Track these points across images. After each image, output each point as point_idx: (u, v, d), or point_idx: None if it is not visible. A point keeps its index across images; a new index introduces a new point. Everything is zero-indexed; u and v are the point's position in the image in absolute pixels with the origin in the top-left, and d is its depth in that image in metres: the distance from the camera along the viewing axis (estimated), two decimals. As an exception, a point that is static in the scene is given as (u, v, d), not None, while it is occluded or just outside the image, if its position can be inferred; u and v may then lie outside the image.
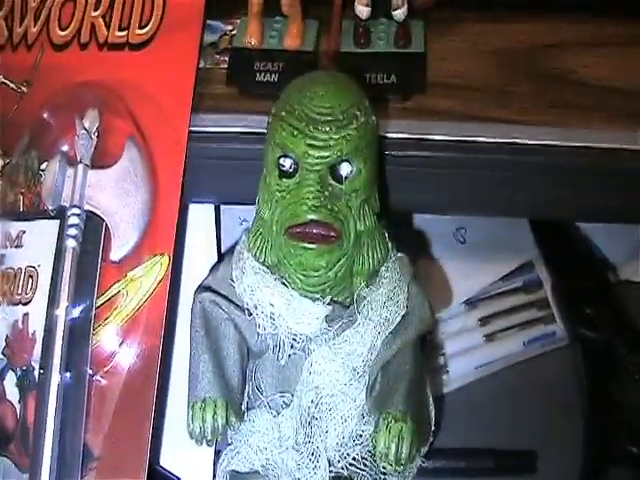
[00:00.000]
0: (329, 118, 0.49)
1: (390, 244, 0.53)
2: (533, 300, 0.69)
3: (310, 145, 0.49)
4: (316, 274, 0.50)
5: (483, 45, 0.61)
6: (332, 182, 0.50)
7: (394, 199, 0.56)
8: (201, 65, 0.62)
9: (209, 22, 0.64)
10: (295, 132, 0.49)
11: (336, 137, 0.49)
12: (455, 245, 0.68)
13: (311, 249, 0.50)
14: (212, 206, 0.63)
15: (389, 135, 0.56)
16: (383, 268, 0.52)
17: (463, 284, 0.67)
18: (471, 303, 0.69)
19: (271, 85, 0.60)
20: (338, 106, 0.49)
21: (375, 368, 0.51)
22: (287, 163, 0.50)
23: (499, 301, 0.69)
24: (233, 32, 0.64)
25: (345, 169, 0.50)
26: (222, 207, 0.64)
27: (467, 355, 0.67)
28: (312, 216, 0.49)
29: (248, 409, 0.53)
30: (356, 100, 0.50)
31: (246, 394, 0.53)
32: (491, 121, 0.57)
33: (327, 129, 0.49)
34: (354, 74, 0.54)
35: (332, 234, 0.50)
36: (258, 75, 0.61)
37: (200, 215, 0.63)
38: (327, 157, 0.49)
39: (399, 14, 0.59)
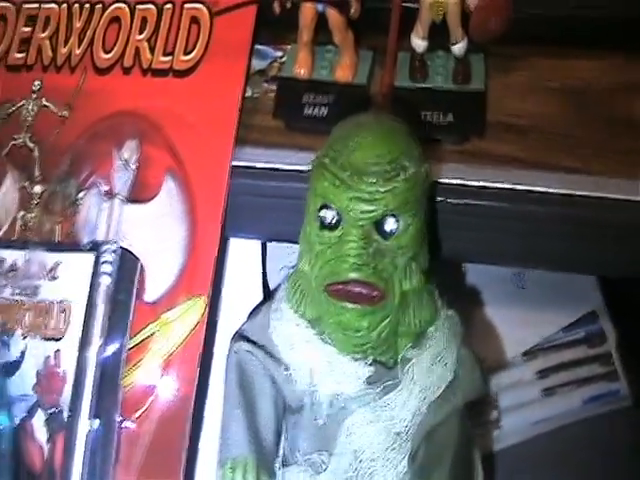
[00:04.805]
0: (375, 169, 0.45)
1: (439, 302, 0.49)
2: (595, 354, 0.65)
3: (354, 198, 0.45)
4: (357, 335, 0.47)
5: (548, 83, 0.56)
6: (377, 237, 0.46)
7: (444, 248, 0.53)
8: (248, 93, 0.59)
9: (258, 47, 0.61)
10: (337, 182, 0.46)
11: (382, 190, 0.45)
12: (514, 291, 0.64)
13: (352, 309, 0.46)
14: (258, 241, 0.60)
15: (442, 180, 0.53)
16: (431, 328, 0.49)
17: (521, 333, 0.63)
18: (529, 354, 0.64)
19: (320, 120, 0.57)
20: (386, 154, 0.46)
21: (419, 435, 0.48)
22: (329, 215, 0.47)
23: (559, 353, 0.65)
24: (283, 59, 0.61)
25: (391, 224, 0.46)
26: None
27: (523, 410, 0.64)
28: (354, 275, 0.46)
29: (283, 465, 0.50)
30: (405, 149, 0.46)
31: (281, 449, 0.50)
32: (554, 170, 0.52)
33: (373, 181, 0.45)
34: (408, 111, 0.51)
35: (375, 294, 0.46)
36: (306, 108, 0.57)
37: (245, 250, 0.59)
38: (372, 212, 0.45)
39: (458, 49, 0.55)
